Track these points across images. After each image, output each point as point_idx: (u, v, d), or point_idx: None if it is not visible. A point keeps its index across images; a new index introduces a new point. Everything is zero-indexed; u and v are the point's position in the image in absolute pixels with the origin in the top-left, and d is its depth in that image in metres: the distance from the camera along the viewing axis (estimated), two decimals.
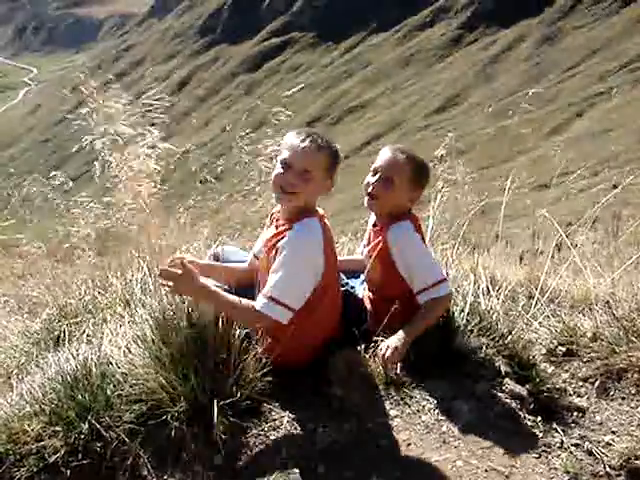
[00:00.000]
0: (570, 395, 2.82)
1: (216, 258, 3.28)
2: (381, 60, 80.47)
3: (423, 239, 3.02)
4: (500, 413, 2.62)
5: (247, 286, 2.80)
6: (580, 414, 2.72)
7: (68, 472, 2.32)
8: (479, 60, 68.88)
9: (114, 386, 2.51)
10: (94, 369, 2.54)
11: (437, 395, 2.70)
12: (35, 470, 2.32)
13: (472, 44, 74.23)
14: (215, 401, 2.39)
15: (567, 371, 2.98)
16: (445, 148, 4.43)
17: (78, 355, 2.60)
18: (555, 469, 2.40)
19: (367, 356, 2.78)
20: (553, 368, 2.99)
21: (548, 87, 52.13)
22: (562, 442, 2.54)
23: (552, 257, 4.05)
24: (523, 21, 70.64)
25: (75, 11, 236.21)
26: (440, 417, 2.60)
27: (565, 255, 3.90)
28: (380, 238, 2.97)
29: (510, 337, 2.97)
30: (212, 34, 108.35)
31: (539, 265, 4.07)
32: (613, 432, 2.62)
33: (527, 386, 2.78)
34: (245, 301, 2.64)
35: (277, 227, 2.80)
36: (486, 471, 2.34)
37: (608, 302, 3.26)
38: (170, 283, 2.57)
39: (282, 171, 2.70)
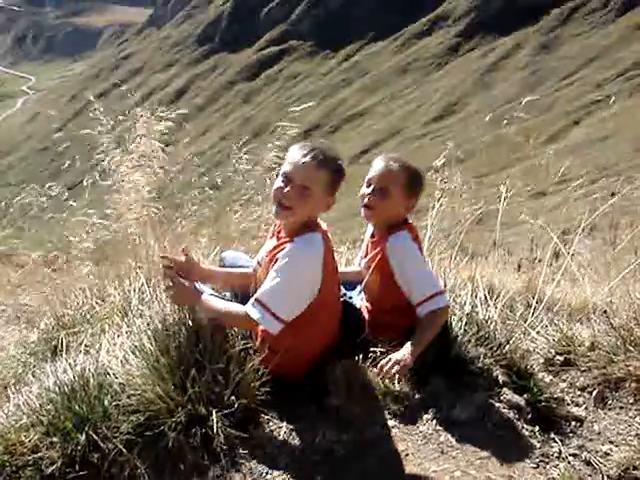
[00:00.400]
0: (568, 404, 2.82)
1: (222, 262, 3.31)
2: (379, 68, 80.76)
3: (420, 249, 3.04)
4: (498, 423, 2.61)
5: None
6: (578, 424, 2.72)
7: None
8: (477, 68, 69.16)
9: (112, 397, 2.49)
10: (92, 380, 2.53)
11: (435, 405, 2.69)
12: None
13: (470, 52, 74.54)
14: (214, 411, 2.39)
15: (565, 380, 2.99)
16: (445, 157, 4.45)
17: (76, 365, 2.60)
18: (553, 479, 2.39)
19: (365, 366, 2.78)
20: (551, 377, 2.99)
21: (545, 95, 52.31)
22: (560, 452, 2.54)
23: (550, 265, 4.06)
24: (520, 29, 70.97)
25: (74, 20, 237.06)
26: (438, 427, 2.59)
27: (563, 263, 3.90)
28: (378, 249, 2.97)
29: (508, 346, 2.97)
30: (210, 43, 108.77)
31: (537, 274, 4.07)
32: (611, 442, 2.62)
33: (525, 396, 2.77)
34: (237, 306, 2.67)
35: (279, 239, 2.78)
36: None
37: (605, 311, 3.26)
38: (169, 283, 2.62)
39: (282, 185, 2.67)
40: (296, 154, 2.68)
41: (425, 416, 2.65)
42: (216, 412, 2.39)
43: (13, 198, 4.87)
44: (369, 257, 3.05)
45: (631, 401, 2.81)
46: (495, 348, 2.95)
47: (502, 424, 2.62)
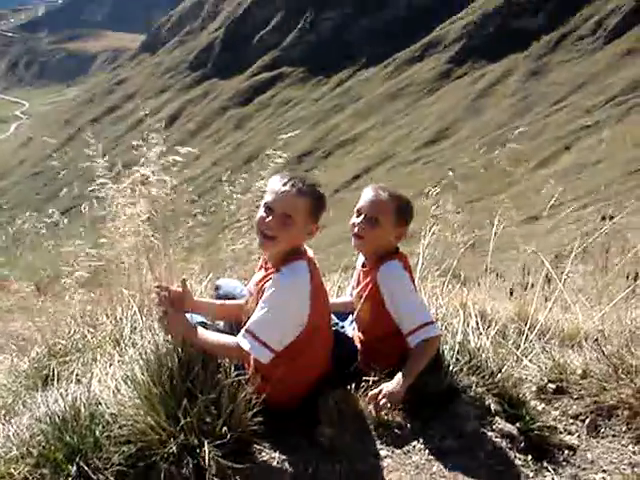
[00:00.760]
0: (561, 433, 2.82)
1: (217, 290, 3.32)
2: (371, 94, 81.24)
3: (412, 278, 3.05)
4: (490, 452, 2.61)
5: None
6: (571, 452, 2.72)
7: None
8: (468, 94, 69.72)
9: (103, 427, 2.47)
10: (83, 410, 2.51)
11: (427, 435, 2.68)
12: None
13: (461, 78, 75.22)
14: (206, 442, 2.38)
15: (557, 408, 2.99)
16: (442, 184, 4.49)
17: (67, 395, 2.58)
18: None
19: (358, 396, 2.77)
20: (543, 405, 2.99)
21: (535, 120, 52.78)
22: None
23: (542, 289, 4.07)
24: (510, 55, 71.73)
25: (67, 45, 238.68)
26: (430, 457, 2.58)
27: (555, 288, 3.92)
28: (369, 278, 2.99)
29: (500, 375, 2.97)
30: (203, 68, 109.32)
31: (529, 300, 4.08)
32: (604, 470, 2.62)
33: (517, 424, 2.77)
34: (228, 337, 2.68)
35: (266, 270, 2.81)
36: None
37: (597, 339, 3.27)
38: (163, 309, 2.64)
39: (265, 215, 2.71)
40: (276, 184, 2.71)
41: (417, 446, 2.64)
42: (208, 443, 2.37)
43: (7, 222, 4.86)
44: (360, 287, 3.07)
45: (624, 429, 2.81)
46: (487, 377, 2.95)
47: (494, 453, 2.61)
